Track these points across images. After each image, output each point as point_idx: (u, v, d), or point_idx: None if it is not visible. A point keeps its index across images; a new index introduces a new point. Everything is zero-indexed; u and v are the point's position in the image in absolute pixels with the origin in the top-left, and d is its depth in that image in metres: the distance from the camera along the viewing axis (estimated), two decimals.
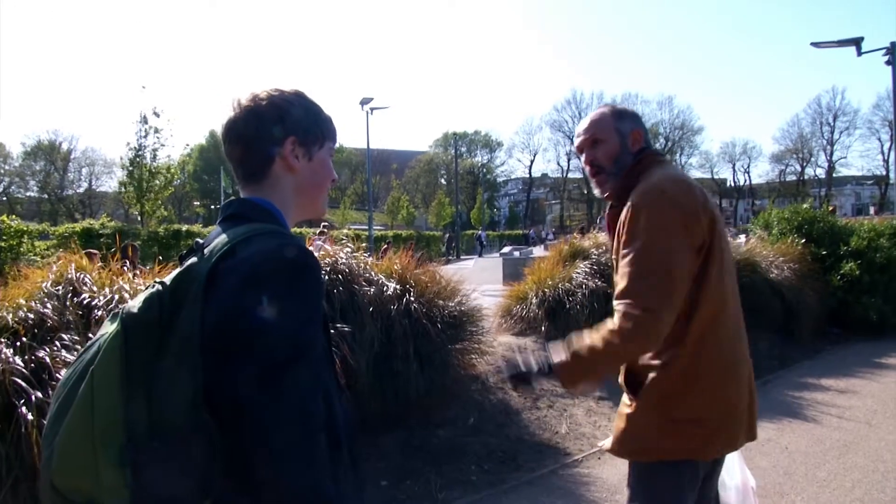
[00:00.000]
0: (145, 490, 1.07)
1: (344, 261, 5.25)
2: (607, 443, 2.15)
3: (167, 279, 1.22)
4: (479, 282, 7.80)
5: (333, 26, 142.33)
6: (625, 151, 2.15)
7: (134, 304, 1.18)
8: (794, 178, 72.97)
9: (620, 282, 1.91)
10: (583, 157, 2.23)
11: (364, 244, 6.50)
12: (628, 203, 1.97)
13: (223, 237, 1.24)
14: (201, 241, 1.30)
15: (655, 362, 1.97)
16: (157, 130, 18.99)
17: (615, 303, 1.89)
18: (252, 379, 1.08)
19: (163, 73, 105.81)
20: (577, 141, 2.25)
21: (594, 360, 1.90)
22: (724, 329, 1.99)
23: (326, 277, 5.00)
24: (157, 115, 18.76)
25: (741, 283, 7.68)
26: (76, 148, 67.98)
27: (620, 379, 2.14)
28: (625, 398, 2.10)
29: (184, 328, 1.13)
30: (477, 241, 48.04)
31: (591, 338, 1.90)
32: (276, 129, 1.35)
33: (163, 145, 19.07)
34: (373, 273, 5.45)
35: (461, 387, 5.73)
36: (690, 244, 1.90)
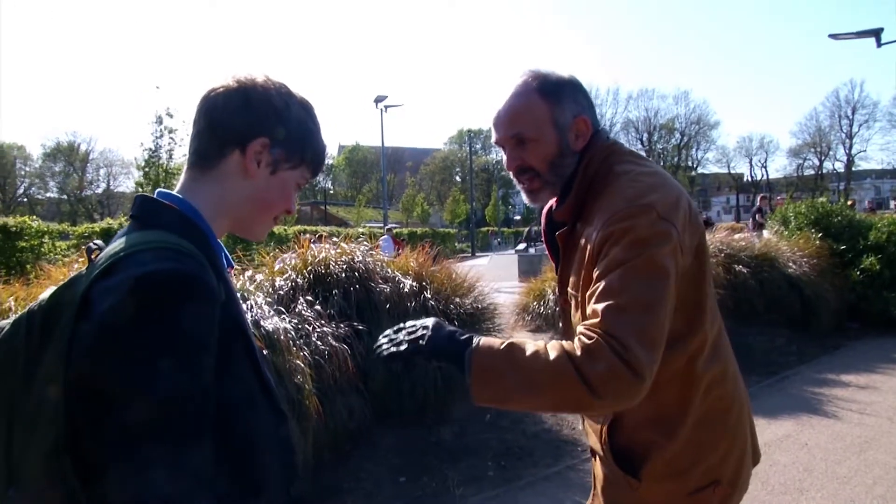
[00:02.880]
0: None
1: (360, 259, 5.28)
2: None
3: (45, 294, 1.04)
4: (494, 279, 7.79)
5: (348, 22, 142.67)
6: (566, 152, 1.59)
7: (1, 325, 1.04)
8: (812, 172, 72.48)
9: (598, 303, 1.36)
10: (504, 154, 1.65)
11: (380, 242, 6.53)
12: (600, 225, 1.45)
13: (114, 246, 1.04)
14: (98, 244, 1.10)
15: (655, 434, 1.54)
16: (171, 131, 19.08)
17: (584, 330, 1.34)
18: (109, 439, 0.91)
19: (178, 73, 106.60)
20: (495, 134, 1.64)
21: (530, 390, 1.34)
22: (728, 364, 1.61)
23: (343, 276, 5.03)
24: (170, 115, 18.85)
25: (759, 279, 7.57)
26: (94, 149, 69.36)
27: (595, 445, 1.69)
28: (615, 472, 1.61)
29: (48, 364, 0.96)
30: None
31: (541, 363, 1.32)
32: (255, 121, 1.16)
33: (178, 145, 19.12)
34: (389, 271, 5.47)
35: None
36: (677, 274, 1.41)
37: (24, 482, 0.95)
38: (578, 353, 1.31)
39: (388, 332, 1.53)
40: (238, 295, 1.25)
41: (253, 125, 1.16)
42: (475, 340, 1.40)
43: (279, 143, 1.18)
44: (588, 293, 1.43)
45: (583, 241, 1.53)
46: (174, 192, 1.17)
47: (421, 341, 1.44)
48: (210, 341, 0.99)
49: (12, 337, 1.01)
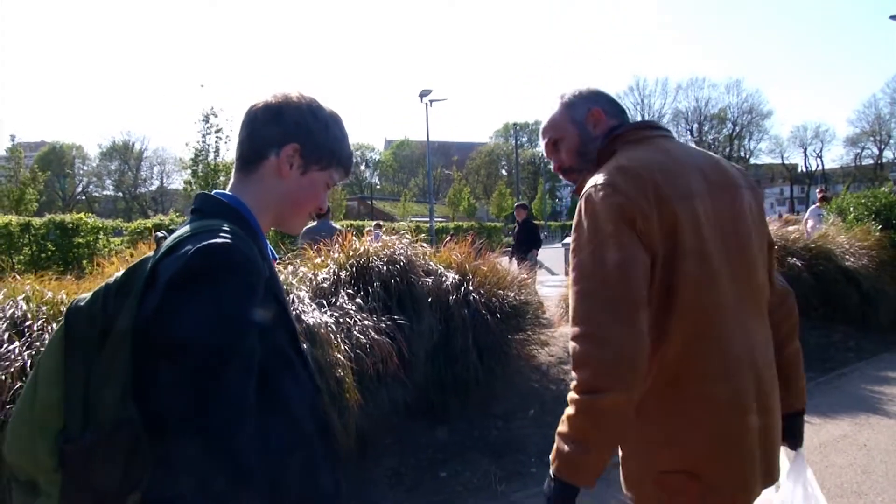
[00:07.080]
0: (72, 479, 1.12)
1: (402, 251, 5.24)
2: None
3: (120, 272, 1.22)
4: (539, 273, 7.70)
5: (394, 16, 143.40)
6: (587, 139, 1.83)
7: (83, 297, 1.21)
8: (870, 161, 70.14)
9: (570, 306, 1.55)
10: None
11: (423, 235, 6.50)
12: None
13: (179, 231, 1.24)
14: (165, 233, 1.31)
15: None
16: (218, 129, 19.52)
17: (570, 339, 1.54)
18: (167, 385, 1.07)
19: (226, 71, 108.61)
20: (542, 149, 2.00)
21: (578, 447, 1.51)
22: (713, 355, 1.57)
23: (384, 269, 5.00)
24: (214, 115, 19.33)
25: (814, 273, 7.29)
26: (147, 147, 71.46)
27: None
28: None
29: (121, 324, 1.12)
30: None
31: (569, 422, 1.52)
32: (287, 129, 1.36)
33: (225, 142, 19.53)
34: (431, 263, 5.43)
35: (521, 377, 5.67)
36: (645, 246, 1.52)
37: (98, 426, 1.10)
38: (576, 376, 1.50)
39: None
40: (280, 278, 1.43)
41: (285, 133, 1.36)
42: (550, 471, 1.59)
43: (308, 148, 1.38)
44: None
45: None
46: (227, 192, 1.37)
47: None
48: (255, 306, 1.14)
49: (91, 305, 1.18)
